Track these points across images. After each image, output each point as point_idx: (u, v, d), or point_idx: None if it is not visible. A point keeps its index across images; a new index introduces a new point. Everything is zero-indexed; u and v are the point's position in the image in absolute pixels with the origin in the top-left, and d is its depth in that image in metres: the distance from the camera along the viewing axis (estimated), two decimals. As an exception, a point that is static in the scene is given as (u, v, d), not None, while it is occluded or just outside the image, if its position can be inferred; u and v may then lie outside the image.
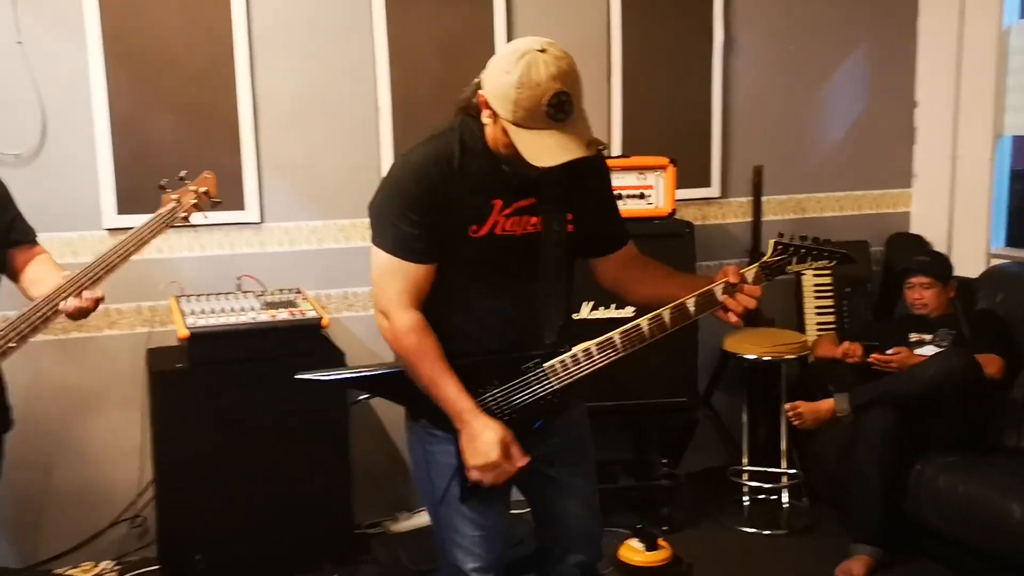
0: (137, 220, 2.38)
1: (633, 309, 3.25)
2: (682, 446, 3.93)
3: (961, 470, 3.27)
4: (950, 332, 3.64)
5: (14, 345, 2.10)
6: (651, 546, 3.32)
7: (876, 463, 3.33)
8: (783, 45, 4.26)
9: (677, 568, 3.35)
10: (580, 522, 2.19)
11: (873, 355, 3.59)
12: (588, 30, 3.95)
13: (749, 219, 4.22)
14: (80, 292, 2.12)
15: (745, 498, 3.92)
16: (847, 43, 4.38)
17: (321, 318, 3.25)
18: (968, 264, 4.17)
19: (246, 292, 3.46)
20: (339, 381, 2.21)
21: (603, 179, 2.15)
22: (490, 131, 1.91)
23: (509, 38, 3.77)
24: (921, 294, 3.72)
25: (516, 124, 1.82)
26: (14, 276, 2.35)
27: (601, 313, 3.48)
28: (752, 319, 2.16)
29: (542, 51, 1.80)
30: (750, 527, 3.77)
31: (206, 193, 2.52)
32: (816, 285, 4.29)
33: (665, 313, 2.00)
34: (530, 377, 2.03)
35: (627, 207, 3.63)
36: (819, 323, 4.26)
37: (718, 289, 2.00)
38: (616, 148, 4.00)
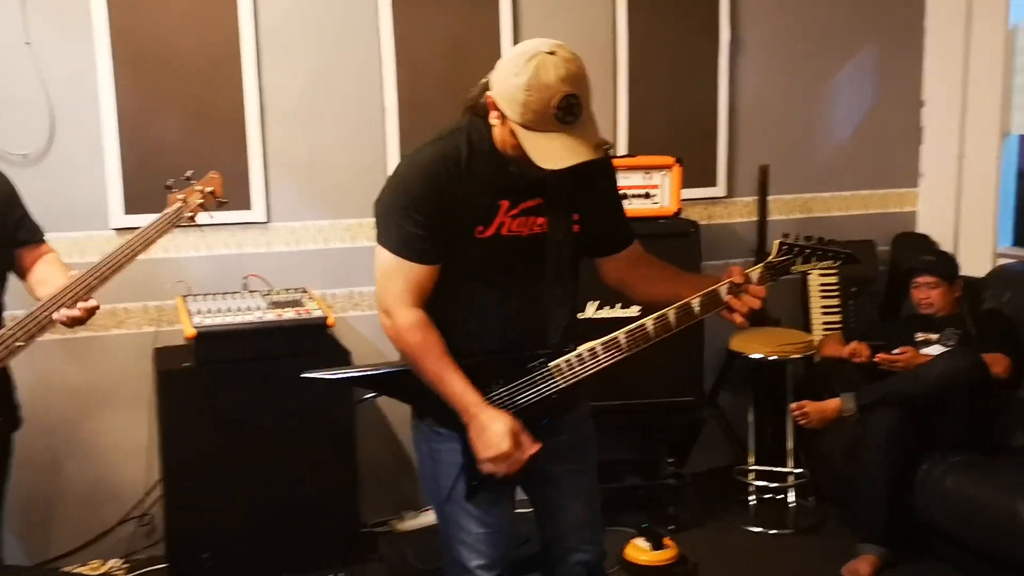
0: (144, 220, 2.39)
1: (638, 308, 3.25)
2: (688, 445, 3.93)
3: (968, 470, 3.27)
4: (956, 332, 3.64)
5: (22, 344, 2.11)
6: (657, 545, 3.32)
7: (882, 463, 3.33)
8: (789, 45, 4.26)
9: (683, 567, 3.34)
10: (581, 521, 2.19)
11: (879, 355, 3.59)
12: (594, 30, 3.95)
13: (755, 219, 4.22)
14: (74, 303, 2.12)
15: (751, 497, 3.92)
16: (853, 42, 4.37)
17: (327, 317, 3.26)
18: (974, 263, 4.16)
19: (252, 291, 3.47)
20: (345, 380, 2.21)
21: (609, 179, 2.15)
22: (498, 132, 1.91)
23: (515, 38, 3.78)
24: (927, 294, 3.71)
25: (524, 126, 1.82)
26: (22, 275, 2.36)
27: (606, 312, 3.48)
28: (758, 319, 2.16)
29: (551, 53, 1.80)
30: (756, 526, 3.77)
31: (212, 193, 2.53)
32: (822, 285, 4.29)
33: (670, 313, 2.00)
34: (535, 376, 2.03)
35: (632, 206, 3.63)
36: (825, 323, 4.25)
37: (723, 289, 2.00)
38: (622, 147, 4.00)
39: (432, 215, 1.93)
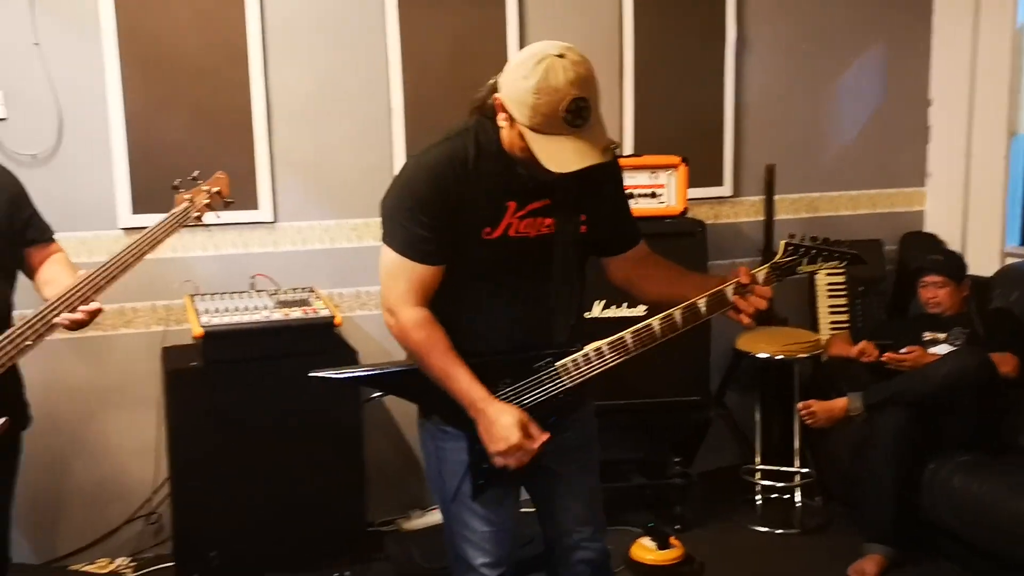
0: (152, 220, 2.40)
1: (645, 308, 3.26)
2: (695, 445, 3.93)
3: (975, 469, 3.26)
4: (964, 331, 3.63)
5: (31, 343, 2.12)
6: (663, 545, 3.33)
7: (889, 462, 3.32)
8: (795, 44, 4.25)
9: (689, 567, 3.35)
10: (582, 520, 2.19)
11: (887, 354, 3.59)
12: (600, 29, 3.95)
13: (761, 218, 4.22)
14: (82, 302, 2.13)
15: (758, 497, 3.92)
16: (860, 41, 4.36)
17: (334, 316, 3.27)
18: (982, 263, 4.15)
19: (260, 291, 3.49)
20: (352, 379, 2.21)
21: (616, 179, 2.15)
22: (506, 134, 1.91)
23: (521, 38, 3.78)
24: (935, 293, 3.70)
25: (533, 129, 1.82)
26: (30, 274, 2.37)
27: (613, 312, 3.48)
28: (765, 318, 2.16)
29: (560, 56, 1.80)
30: (763, 526, 3.77)
31: (218, 193, 2.54)
32: (829, 284, 4.29)
33: (676, 313, 2.01)
34: (542, 376, 2.04)
35: (639, 206, 3.63)
36: (832, 322, 4.25)
37: (729, 289, 2.00)
38: (628, 147, 4.00)
39: (438, 216, 1.93)
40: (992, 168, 4.27)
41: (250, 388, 3.22)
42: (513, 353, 2.03)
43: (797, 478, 3.91)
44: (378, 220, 2.02)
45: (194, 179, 2.52)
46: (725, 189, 4.20)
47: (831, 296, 4.28)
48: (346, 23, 3.64)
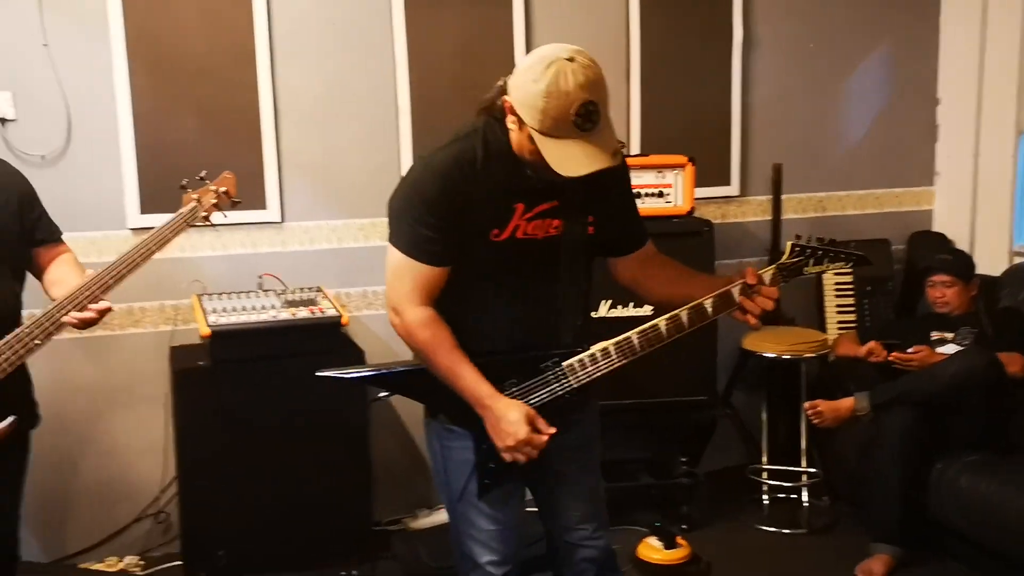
0: (160, 220, 2.40)
1: (651, 307, 3.25)
2: (701, 445, 3.93)
3: (983, 469, 3.25)
4: (972, 330, 3.62)
5: (39, 342, 2.13)
6: (670, 544, 3.32)
7: (896, 462, 3.31)
8: (803, 43, 4.24)
9: (696, 566, 3.35)
10: (584, 518, 2.19)
11: (894, 353, 3.58)
12: (607, 29, 3.95)
13: (769, 218, 4.21)
14: (90, 302, 2.14)
15: (764, 497, 3.92)
16: (868, 40, 4.35)
17: (341, 316, 3.28)
18: (991, 262, 4.14)
19: (267, 291, 3.50)
20: (359, 378, 2.22)
21: (623, 180, 2.15)
22: (515, 137, 1.91)
23: (528, 38, 3.78)
24: (943, 292, 3.69)
25: (543, 133, 1.82)
26: (38, 275, 2.38)
27: (619, 311, 3.48)
28: (772, 318, 2.17)
29: (570, 60, 1.80)
30: (770, 526, 3.76)
31: (226, 193, 2.55)
32: (837, 283, 4.28)
33: (683, 313, 2.01)
34: (548, 376, 2.04)
35: (645, 205, 3.63)
36: (840, 321, 4.24)
37: (736, 290, 2.00)
38: (635, 146, 4.00)
39: (445, 218, 1.93)
40: (1001, 167, 4.26)
41: (257, 387, 3.23)
42: (519, 353, 2.04)
43: (804, 478, 3.91)
44: (385, 220, 2.02)
45: (202, 179, 2.53)
46: (732, 188, 4.20)
47: (838, 296, 4.27)
48: (353, 24, 3.65)
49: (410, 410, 3.68)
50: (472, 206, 1.94)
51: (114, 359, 3.52)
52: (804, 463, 3.91)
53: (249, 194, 3.10)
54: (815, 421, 3.59)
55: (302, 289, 3.51)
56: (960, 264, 3.75)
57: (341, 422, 3.33)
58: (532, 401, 2.03)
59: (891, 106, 4.42)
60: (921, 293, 3.87)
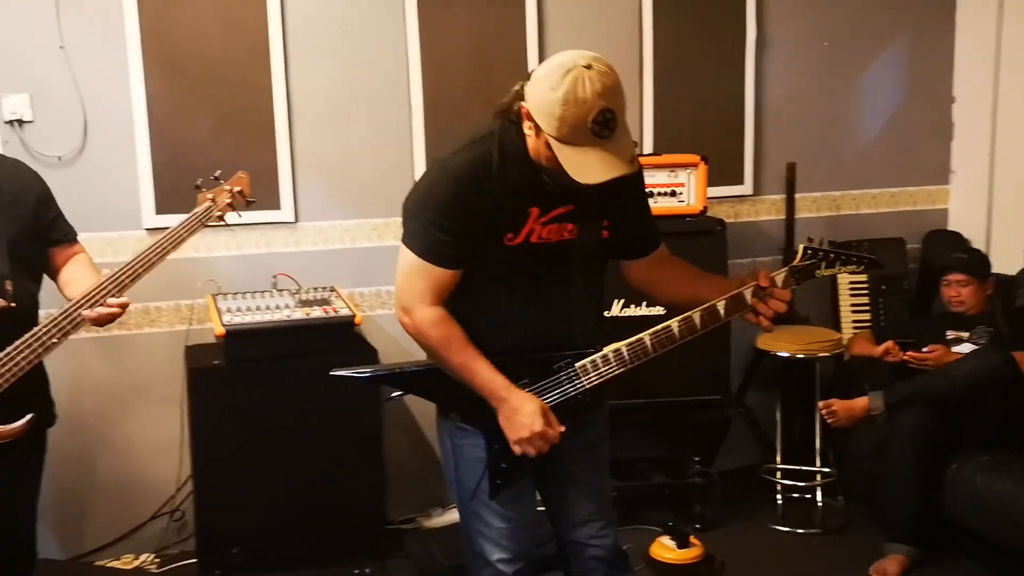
0: (175, 220, 2.42)
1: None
2: (715, 444, 3.92)
3: (998, 469, 3.24)
4: (987, 330, 3.60)
5: (56, 341, 2.15)
6: (683, 544, 3.32)
7: (910, 462, 3.30)
8: (817, 41, 4.23)
9: (709, 566, 3.34)
10: (591, 517, 2.19)
11: (909, 352, 3.56)
12: (620, 28, 3.95)
13: (782, 217, 4.19)
14: (105, 301, 2.16)
15: (779, 496, 3.90)
16: (883, 38, 4.33)
17: (354, 316, 3.29)
18: (1006, 261, 4.10)
19: (281, 290, 3.51)
20: (373, 378, 2.23)
21: (638, 183, 2.15)
22: (532, 143, 1.91)
23: (540, 38, 3.78)
24: (958, 291, 3.67)
25: (560, 140, 1.82)
26: (53, 275, 2.40)
27: (632, 311, 3.49)
28: (786, 317, 2.17)
29: (587, 67, 1.80)
30: (784, 526, 3.75)
31: (240, 192, 2.56)
32: (852, 283, 4.26)
33: (695, 315, 2.02)
34: (561, 376, 2.05)
35: (658, 205, 3.63)
36: (855, 321, 4.22)
37: (748, 292, 2.01)
38: (647, 145, 4.00)
39: (459, 222, 1.94)
40: (1017, 165, 4.23)
41: (271, 387, 3.25)
42: (532, 354, 2.04)
43: (818, 477, 3.90)
44: (398, 220, 2.03)
45: (216, 179, 2.55)
46: (745, 188, 4.19)
47: (853, 295, 4.25)
48: (366, 24, 3.66)
49: (423, 409, 3.68)
50: (487, 210, 1.94)
51: (130, 358, 3.55)
52: (818, 463, 3.90)
53: (263, 194, 3.12)
54: (829, 421, 3.58)
55: (316, 289, 3.52)
56: (975, 263, 3.73)
57: (355, 421, 3.34)
58: (545, 401, 2.03)
59: (906, 104, 4.40)
60: (936, 292, 3.85)
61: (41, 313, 2.33)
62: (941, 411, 3.32)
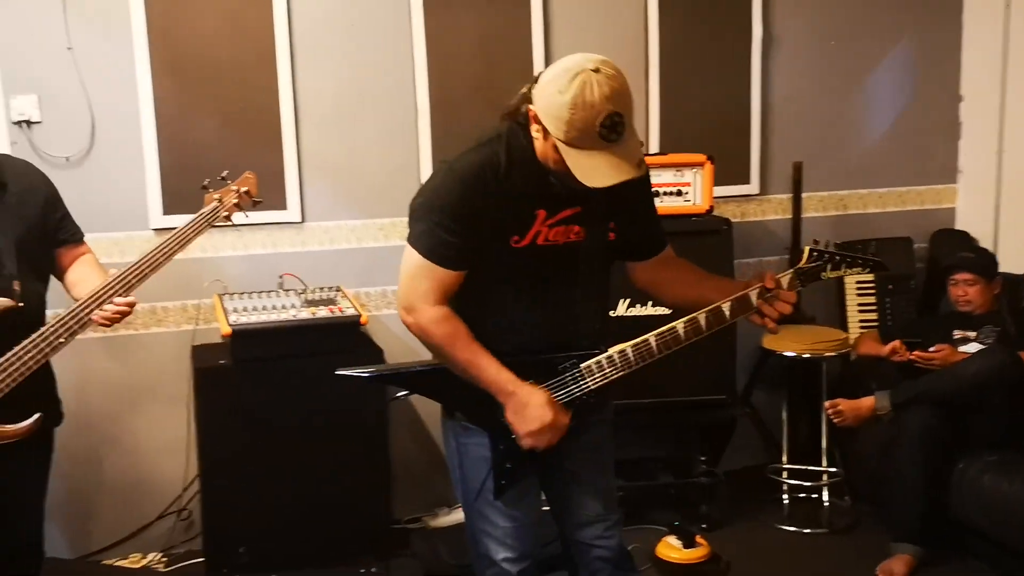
0: (182, 220, 2.43)
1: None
2: (721, 444, 3.91)
3: (1005, 468, 3.23)
4: (995, 329, 3.59)
5: (63, 340, 2.17)
6: (689, 543, 3.32)
7: (917, 461, 3.29)
8: (823, 40, 4.22)
9: (715, 566, 3.34)
10: (596, 518, 2.20)
11: (915, 352, 3.56)
12: (625, 27, 3.94)
13: (789, 216, 4.18)
14: (112, 300, 2.17)
15: (785, 496, 3.90)
16: (890, 37, 4.32)
17: (360, 315, 3.30)
18: (1014, 260, 4.09)
19: (287, 290, 3.52)
20: (378, 377, 2.24)
21: (644, 185, 2.15)
22: (540, 146, 1.91)
23: (546, 38, 3.78)
24: (965, 291, 3.66)
25: (568, 144, 1.82)
26: (60, 275, 2.42)
27: (638, 310, 3.49)
28: (792, 317, 2.18)
29: (595, 70, 1.80)
30: (790, 525, 3.75)
31: (247, 193, 2.57)
32: (858, 282, 4.25)
33: (701, 316, 2.02)
34: (566, 377, 2.05)
35: (664, 204, 3.62)
36: (861, 320, 4.22)
37: (754, 294, 2.01)
38: (653, 145, 3.99)
39: (465, 224, 1.94)
40: (1024, 164, 4.22)
41: (277, 386, 3.26)
42: (538, 354, 2.04)
43: (824, 477, 3.89)
44: (405, 220, 2.04)
45: (223, 179, 2.56)
46: (752, 187, 4.18)
47: (860, 294, 4.25)
48: (372, 25, 3.67)
49: (429, 409, 3.68)
50: (493, 212, 1.95)
51: (137, 358, 3.56)
52: (825, 462, 3.89)
53: (270, 194, 3.13)
54: (835, 420, 3.58)
55: (322, 289, 3.53)
56: (983, 262, 3.72)
57: (360, 421, 3.35)
58: (551, 400, 2.04)
59: (913, 103, 4.39)
60: (943, 291, 3.84)
61: (48, 313, 2.34)
62: (948, 411, 3.31)
